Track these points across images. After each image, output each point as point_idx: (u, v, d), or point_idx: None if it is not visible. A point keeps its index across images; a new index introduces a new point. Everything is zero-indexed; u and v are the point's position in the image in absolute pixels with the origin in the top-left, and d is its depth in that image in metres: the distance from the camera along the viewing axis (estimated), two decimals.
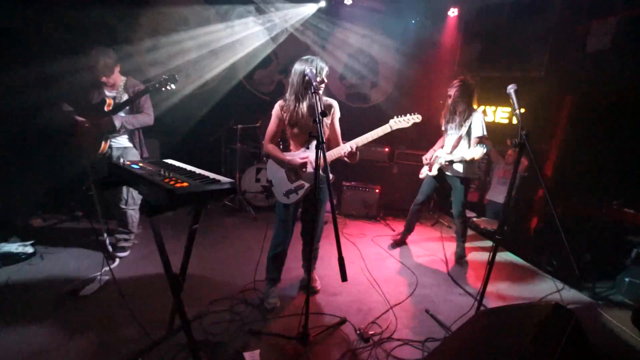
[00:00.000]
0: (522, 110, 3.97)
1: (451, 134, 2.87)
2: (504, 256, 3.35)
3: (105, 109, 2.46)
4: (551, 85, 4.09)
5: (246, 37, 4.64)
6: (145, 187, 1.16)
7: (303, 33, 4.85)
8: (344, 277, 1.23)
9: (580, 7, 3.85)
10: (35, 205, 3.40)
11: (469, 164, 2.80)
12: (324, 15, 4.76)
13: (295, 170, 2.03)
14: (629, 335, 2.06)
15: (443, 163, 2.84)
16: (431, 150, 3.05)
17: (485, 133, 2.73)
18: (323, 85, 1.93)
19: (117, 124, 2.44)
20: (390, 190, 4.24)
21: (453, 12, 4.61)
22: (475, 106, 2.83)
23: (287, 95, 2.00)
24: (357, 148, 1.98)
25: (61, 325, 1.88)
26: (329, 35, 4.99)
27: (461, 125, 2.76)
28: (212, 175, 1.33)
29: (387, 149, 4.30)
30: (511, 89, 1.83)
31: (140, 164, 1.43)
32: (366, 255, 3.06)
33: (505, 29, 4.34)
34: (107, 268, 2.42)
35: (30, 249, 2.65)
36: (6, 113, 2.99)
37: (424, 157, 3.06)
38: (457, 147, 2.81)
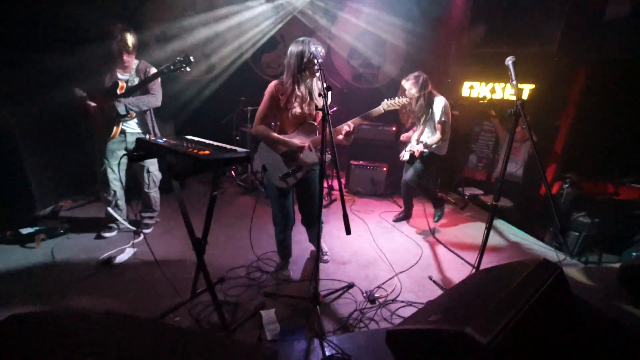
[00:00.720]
0: (531, 86, 3.98)
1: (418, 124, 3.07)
2: (510, 230, 3.44)
3: (118, 91, 2.45)
4: (564, 59, 4.01)
5: (252, 19, 4.69)
6: (172, 156, 1.31)
7: (309, 14, 4.85)
8: (348, 231, 1.36)
9: None
10: (63, 190, 3.63)
11: (437, 144, 2.97)
12: None
13: (292, 153, 1.98)
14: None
15: (409, 149, 3.06)
16: (409, 132, 3.26)
17: (444, 118, 2.86)
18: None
19: (121, 108, 2.42)
20: (398, 168, 4.33)
21: None
22: (433, 92, 2.95)
23: (285, 77, 1.94)
24: (353, 128, 1.99)
25: (101, 288, 2.12)
26: (336, 16, 4.98)
27: (424, 114, 2.93)
28: (228, 146, 1.48)
29: (394, 128, 4.36)
30: (509, 60, 1.89)
31: (164, 139, 1.58)
32: (374, 229, 3.21)
33: (516, 1, 4.25)
34: (139, 238, 2.67)
35: (66, 225, 2.90)
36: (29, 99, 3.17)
37: (401, 136, 3.34)
38: (422, 135, 3.03)
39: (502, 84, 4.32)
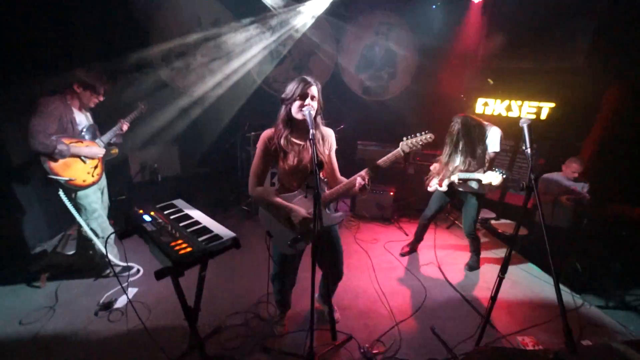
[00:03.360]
0: (551, 104, 3.65)
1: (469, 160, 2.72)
2: (524, 268, 3.27)
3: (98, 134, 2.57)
4: (592, 74, 3.69)
5: (257, 35, 4.61)
6: (156, 249, 1.27)
7: (316, 27, 4.70)
8: (333, 337, 1.29)
9: None
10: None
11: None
12: (337, 7, 4.55)
13: (299, 221, 1.71)
14: None
15: (456, 182, 2.76)
16: (441, 165, 2.90)
17: (499, 150, 2.65)
18: (316, 104, 1.68)
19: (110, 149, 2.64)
20: (406, 191, 4.20)
21: None
22: (484, 124, 2.70)
23: (278, 124, 1.74)
24: (368, 180, 1.68)
25: (97, 340, 2.14)
26: (344, 27, 4.80)
27: (479, 147, 2.65)
28: (214, 229, 1.42)
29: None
30: (524, 123, 1.63)
31: (152, 213, 1.54)
32: (377, 264, 3.12)
33: (537, 12, 3.94)
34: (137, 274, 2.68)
35: (70, 259, 2.93)
36: None
37: (431, 167, 2.98)
38: (469, 166, 2.71)
39: (520, 102, 4.08)
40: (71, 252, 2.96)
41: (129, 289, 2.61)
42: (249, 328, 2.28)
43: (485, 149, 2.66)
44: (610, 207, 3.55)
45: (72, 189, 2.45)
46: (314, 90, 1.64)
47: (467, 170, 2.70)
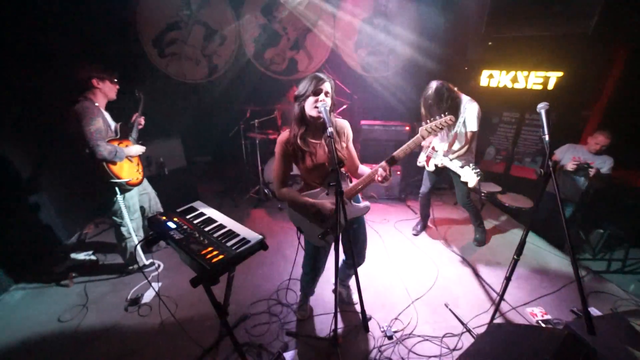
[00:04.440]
0: (558, 74, 3.53)
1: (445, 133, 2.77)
2: (532, 239, 3.36)
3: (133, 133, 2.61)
4: (601, 41, 3.57)
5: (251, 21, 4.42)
6: (188, 258, 1.32)
7: (311, 3, 4.48)
8: (366, 329, 1.37)
9: None
10: (83, 215, 3.74)
11: (466, 156, 2.78)
12: None
13: (323, 216, 1.75)
14: None
15: (439, 165, 2.83)
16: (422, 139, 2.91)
17: (476, 129, 2.65)
18: (330, 100, 1.65)
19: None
20: (412, 170, 4.22)
21: None
22: (462, 95, 2.67)
23: (292, 124, 1.74)
24: (390, 169, 1.72)
25: (128, 335, 2.25)
26: (340, 2, 4.58)
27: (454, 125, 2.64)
28: (241, 231, 1.46)
29: (407, 128, 4.17)
30: (542, 108, 1.58)
31: (175, 219, 1.58)
32: (389, 244, 3.22)
33: None
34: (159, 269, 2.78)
35: (93, 257, 3.05)
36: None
37: (422, 142, 2.99)
38: (453, 145, 2.76)
39: (526, 72, 3.99)
40: (90, 253, 3.05)
41: (153, 284, 2.71)
42: (272, 314, 2.40)
43: (464, 124, 2.66)
44: (621, 175, 3.57)
45: (126, 189, 2.51)
46: (327, 86, 1.61)
47: (449, 146, 2.76)
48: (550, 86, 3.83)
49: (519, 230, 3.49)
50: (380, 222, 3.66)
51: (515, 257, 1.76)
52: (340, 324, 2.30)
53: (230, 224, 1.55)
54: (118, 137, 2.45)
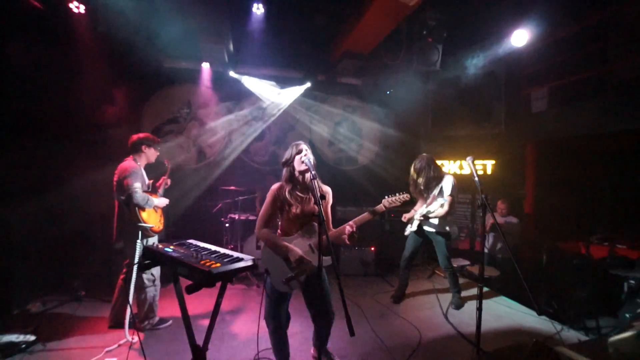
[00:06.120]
0: (492, 161, 4.47)
1: (426, 196, 3.27)
2: (503, 302, 3.50)
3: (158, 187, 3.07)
4: (512, 138, 4.71)
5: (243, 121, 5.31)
6: (185, 269, 1.40)
7: (292, 108, 5.50)
8: (351, 332, 1.41)
9: (521, 78, 4.68)
10: (37, 287, 3.42)
11: (443, 218, 3.20)
12: (311, 92, 5.46)
13: (295, 260, 1.91)
14: None
15: (418, 217, 3.24)
16: (412, 211, 3.38)
17: (454, 193, 3.18)
18: (312, 156, 2.02)
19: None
20: (385, 247, 4.47)
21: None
22: (442, 171, 3.30)
23: (283, 180, 2.06)
24: (356, 228, 1.97)
25: None
26: (316, 108, 5.66)
27: (434, 188, 3.19)
28: (234, 253, 1.59)
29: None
30: (469, 160, 2.25)
31: (172, 247, 1.68)
32: (369, 314, 3.17)
33: (466, 94, 5.06)
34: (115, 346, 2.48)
35: (31, 337, 2.59)
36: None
37: (404, 216, 3.40)
38: (431, 205, 3.20)
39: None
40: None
41: None
42: None
43: (442, 192, 3.17)
44: (559, 243, 4.08)
45: (149, 236, 2.78)
46: (305, 146, 2.06)
47: (427, 205, 3.21)
48: (489, 171, 4.68)
49: (494, 297, 3.61)
50: (359, 296, 3.64)
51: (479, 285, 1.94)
52: None
53: (224, 250, 1.67)
54: (150, 190, 2.89)
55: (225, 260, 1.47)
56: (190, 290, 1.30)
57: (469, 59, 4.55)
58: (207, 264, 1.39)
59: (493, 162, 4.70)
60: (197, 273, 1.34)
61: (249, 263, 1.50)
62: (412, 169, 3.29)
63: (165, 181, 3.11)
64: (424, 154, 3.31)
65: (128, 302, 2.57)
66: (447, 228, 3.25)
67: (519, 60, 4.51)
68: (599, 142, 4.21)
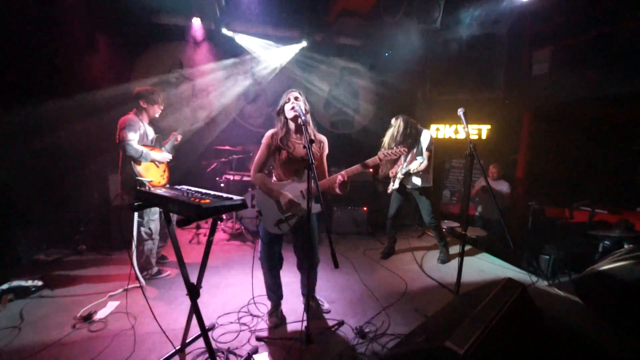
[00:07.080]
0: (487, 126, 4.50)
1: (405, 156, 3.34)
2: (487, 259, 3.66)
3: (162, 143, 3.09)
4: (510, 104, 4.67)
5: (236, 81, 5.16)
6: (175, 206, 1.44)
7: (288, 69, 5.36)
8: (335, 264, 1.49)
9: (523, 39, 4.54)
10: (40, 241, 3.54)
11: (424, 175, 3.26)
12: (308, 52, 5.29)
13: (285, 203, 2.02)
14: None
15: (400, 176, 3.30)
16: (395, 166, 3.46)
17: (432, 148, 3.24)
18: (308, 114, 2.09)
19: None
20: (378, 207, 4.56)
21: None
22: (419, 126, 3.32)
23: (277, 130, 2.13)
24: (348, 178, 2.03)
25: (77, 349, 2.02)
26: (313, 69, 5.51)
27: (413, 146, 3.24)
28: (225, 194, 1.63)
29: (371, 170, 4.66)
30: (460, 111, 2.24)
31: (164, 189, 1.71)
32: (359, 267, 3.31)
33: (466, 57, 4.94)
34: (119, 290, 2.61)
35: (39, 282, 2.76)
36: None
37: (389, 172, 3.46)
38: (411, 163, 3.24)
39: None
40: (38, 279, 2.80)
41: (109, 303, 2.51)
42: (242, 324, 2.30)
43: (420, 148, 3.22)
44: (546, 207, 4.20)
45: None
46: (295, 93, 2.10)
47: (407, 163, 3.27)
48: (484, 136, 4.68)
49: (479, 254, 3.77)
50: (350, 251, 3.79)
51: (462, 231, 2.03)
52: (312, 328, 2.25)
53: (215, 192, 1.71)
54: (152, 145, 2.91)
55: (215, 198, 1.51)
56: (181, 223, 1.35)
57: (470, 17, 4.37)
58: (197, 200, 1.43)
59: (488, 127, 4.69)
60: (186, 207, 1.38)
61: (238, 202, 1.54)
62: (387, 133, 3.30)
63: (175, 136, 3.14)
64: (400, 115, 3.30)
65: (130, 254, 2.70)
66: (428, 183, 3.31)
67: (522, 20, 4.36)
68: (598, 107, 4.18)
